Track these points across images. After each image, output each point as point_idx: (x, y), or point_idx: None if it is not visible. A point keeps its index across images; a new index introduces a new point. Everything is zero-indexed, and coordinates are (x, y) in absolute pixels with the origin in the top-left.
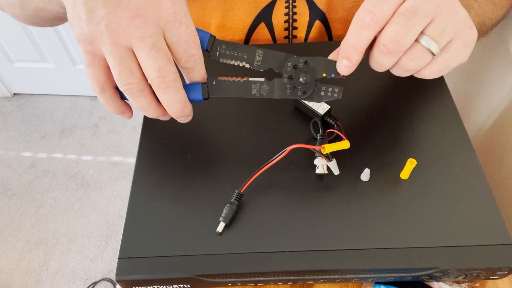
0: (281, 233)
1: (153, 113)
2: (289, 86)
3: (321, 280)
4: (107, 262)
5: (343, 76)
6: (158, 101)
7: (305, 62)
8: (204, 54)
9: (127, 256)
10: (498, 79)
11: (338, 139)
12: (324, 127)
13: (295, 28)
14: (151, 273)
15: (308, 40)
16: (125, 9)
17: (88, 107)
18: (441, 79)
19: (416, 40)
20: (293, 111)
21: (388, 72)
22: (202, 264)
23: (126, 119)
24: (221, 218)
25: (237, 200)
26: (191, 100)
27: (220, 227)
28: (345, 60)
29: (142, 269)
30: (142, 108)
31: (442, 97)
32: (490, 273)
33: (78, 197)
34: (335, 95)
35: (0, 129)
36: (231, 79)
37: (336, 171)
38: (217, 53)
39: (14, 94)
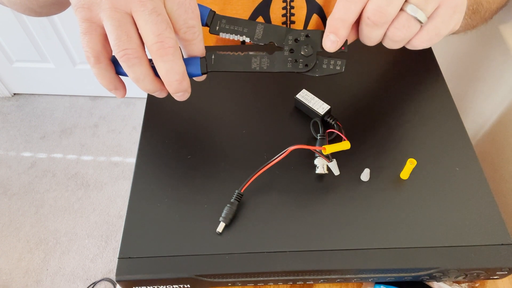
0: (281, 233)
1: (149, 86)
2: (290, 59)
3: (321, 280)
4: (107, 262)
5: (345, 49)
6: (156, 74)
7: (307, 35)
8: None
9: (127, 256)
10: (498, 79)
11: (338, 139)
12: (324, 127)
13: (293, 22)
14: (151, 273)
15: None
16: None
17: (88, 107)
18: (441, 79)
19: (402, 10)
20: (293, 111)
21: (388, 72)
22: (202, 264)
23: (126, 120)
24: (221, 218)
25: (237, 200)
26: (189, 75)
27: (220, 227)
28: (332, 35)
29: (142, 269)
30: (138, 78)
31: (442, 97)
32: (490, 273)
33: (78, 197)
34: (338, 67)
35: (0, 129)
36: (230, 53)
37: (336, 172)
38: (217, 27)
39: (14, 94)
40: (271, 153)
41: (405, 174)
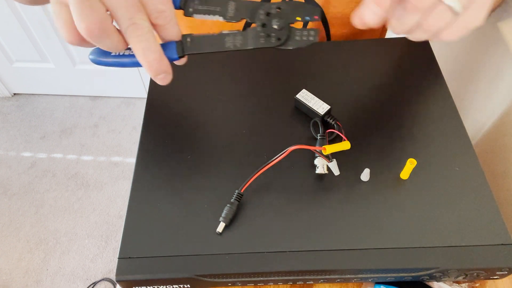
0: (281, 233)
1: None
2: (262, 34)
3: (321, 280)
4: (107, 262)
5: (318, 17)
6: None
7: (278, 8)
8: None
9: (127, 256)
10: (498, 79)
11: (338, 139)
12: (324, 127)
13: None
14: (151, 273)
15: None
16: None
17: (88, 107)
18: (441, 79)
19: None
20: (293, 111)
21: (388, 72)
22: (202, 264)
23: (126, 120)
24: (221, 218)
25: (237, 200)
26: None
27: (220, 227)
28: (375, 5)
29: (142, 269)
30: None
31: (442, 97)
32: (490, 273)
33: (78, 197)
34: (311, 38)
35: (0, 129)
36: (205, 34)
37: (336, 172)
38: (191, 9)
39: (14, 94)
40: (271, 153)
41: (405, 174)
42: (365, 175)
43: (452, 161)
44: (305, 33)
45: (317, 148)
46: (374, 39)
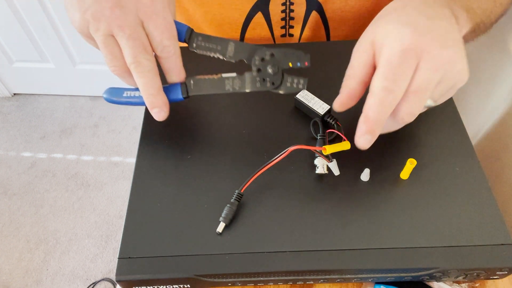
0: (281, 233)
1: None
2: (258, 78)
3: (321, 280)
4: (107, 262)
5: (308, 64)
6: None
7: (272, 54)
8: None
9: (127, 256)
10: (498, 79)
11: (338, 139)
12: (324, 127)
13: (292, 18)
14: (151, 273)
15: (304, 32)
16: (108, 0)
17: (88, 107)
18: None
19: None
20: (293, 111)
21: None
22: (202, 264)
23: (126, 120)
24: (221, 218)
25: (237, 200)
26: (172, 100)
27: (220, 227)
28: (369, 135)
29: (142, 269)
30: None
31: None
32: (490, 273)
33: (78, 197)
34: (300, 86)
35: (0, 129)
36: (206, 77)
37: (336, 172)
38: (194, 44)
39: (14, 94)
40: (271, 153)
41: (405, 174)
42: (365, 175)
43: (452, 161)
44: (295, 80)
45: (317, 148)
46: None
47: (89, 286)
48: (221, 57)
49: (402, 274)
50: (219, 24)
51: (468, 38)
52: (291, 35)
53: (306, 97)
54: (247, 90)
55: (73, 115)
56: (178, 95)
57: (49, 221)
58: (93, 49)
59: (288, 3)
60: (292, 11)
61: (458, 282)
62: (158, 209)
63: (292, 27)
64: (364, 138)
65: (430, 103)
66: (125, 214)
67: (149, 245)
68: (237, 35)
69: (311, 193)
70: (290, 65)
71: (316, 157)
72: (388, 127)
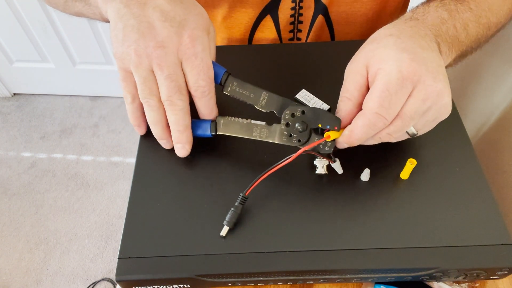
0: (281, 233)
1: (159, 131)
2: (285, 133)
3: (321, 280)
4: (107, 262)
5: (337, 128)
6: (167, 126)
7: (303, 112)
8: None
9: (127, 256)
10: (498, 79)
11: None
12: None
13: (301, 22)
14: (151, 273)
15: (310, 36)
16: (152, 38)
17: (88, 107)
18: None
19: None
20: None
21: None
22: (202, 264)
23: (126, 120)
24: (225, 222)
25: (242, 204)
26: (200, 135)
27: (224, 231)
28: (347, 144)
29: (142, 269)
30: (152, 121)
31: None
32: (490, 273)
33: (78, 197)
34: (327, 148)
35: (0, 129)
36: (236, 119)
37: (339, 171)
38: (229, 88)
39: (14, 94)
40: (270, 153)
41: (405, 174)
42: (365, 175)
43: (452, 161)
44: (322, 142)
45: (321, 140)
46: None
47: (89, 286)
48: (252, 105)
49: (402, 274)
50: (229, 27)
51: (451, 64)
52: (298, 39)
53: (306, 97)
54: (274, 141)
55: (73, 115)
56: (207, 131)
57: (49, 221)
58: (93, 49)
59: (297, 7)
60: (301, 15)
61: (458, 282)
62: (158, 209)
63: (300, 31)
64: (341, 146)
65: (413, 131)
66: (125, 214)
67: (149, 245)
68: (245, 37)
69: (311, 193)
70: (320, 126)
71: (316, 157)
72: (366, 143)
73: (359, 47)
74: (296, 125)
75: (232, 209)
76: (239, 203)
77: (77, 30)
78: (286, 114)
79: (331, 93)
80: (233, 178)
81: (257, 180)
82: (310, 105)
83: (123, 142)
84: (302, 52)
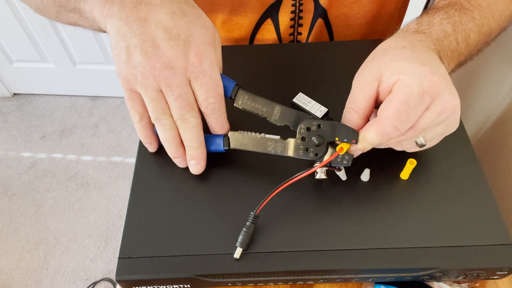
0: (281, 233)
1: (173, 149)
2: (301, 147)
3: (321, 280)
4: (107, 262)
5: (355, 142)
6: (182, 143)
7: (318, 126)
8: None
9: (127, 256)
10: (498, 79)
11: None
12: None
13: (300, 25)
14: (151, 273)
15: (310, 38)
16: (158, 59)
17: (88, 107)
18: None
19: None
20: None
21: None
22: (202, 264)
23: (126, 120)
24: (238, 244)
25: (254, 223)
26: (213, 150)
27: (238, 253)
28: (360, 151)
29: (142, 269)
30: (166, 140)
31: None
32: (490, 273)
33: (78, 197)
34: (345, 162)
35: (0, 129)
36: (249, 133)
37: (344, 177)
38: (240, 102)
39: (14, 94)
40: (268, 157)
41: (405, 174)
42: (365, 175)
43: (452, 161)
44: (340, 155)
45: (333, 156)
46: (370, 40)
47: (89, 286)
48: (266, 118)
49: (402, 274)
50: (229, 30)
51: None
52: (298, 42)
53: (303, 101)
54: (289, 155)
55: (73, 115)
56: (220, 146)
57: (49, 221)
58: (93, 49)
59: (297, 11)
60: (301, 18)
61: (458, 282)
62: (158, 209)
63: (300, 33)
64: (355, 152)
65: (422, 141)
66: (125, 214)
67: (149, 245)
68: (245, 40)
69: (310, 193)
70: (337, 139)
71: (315, 162)
72: (375, 147)
73: (358, 47)
74: (313, 138)
75: (244, 229)
76: (251, 222)
77: (77, 30)
78: (302, 128)
79: (328, 96)
80: (233, 177)
81: (268, 197)
82: (308, 109)
83: (123, 142)
84: (301, 52)
